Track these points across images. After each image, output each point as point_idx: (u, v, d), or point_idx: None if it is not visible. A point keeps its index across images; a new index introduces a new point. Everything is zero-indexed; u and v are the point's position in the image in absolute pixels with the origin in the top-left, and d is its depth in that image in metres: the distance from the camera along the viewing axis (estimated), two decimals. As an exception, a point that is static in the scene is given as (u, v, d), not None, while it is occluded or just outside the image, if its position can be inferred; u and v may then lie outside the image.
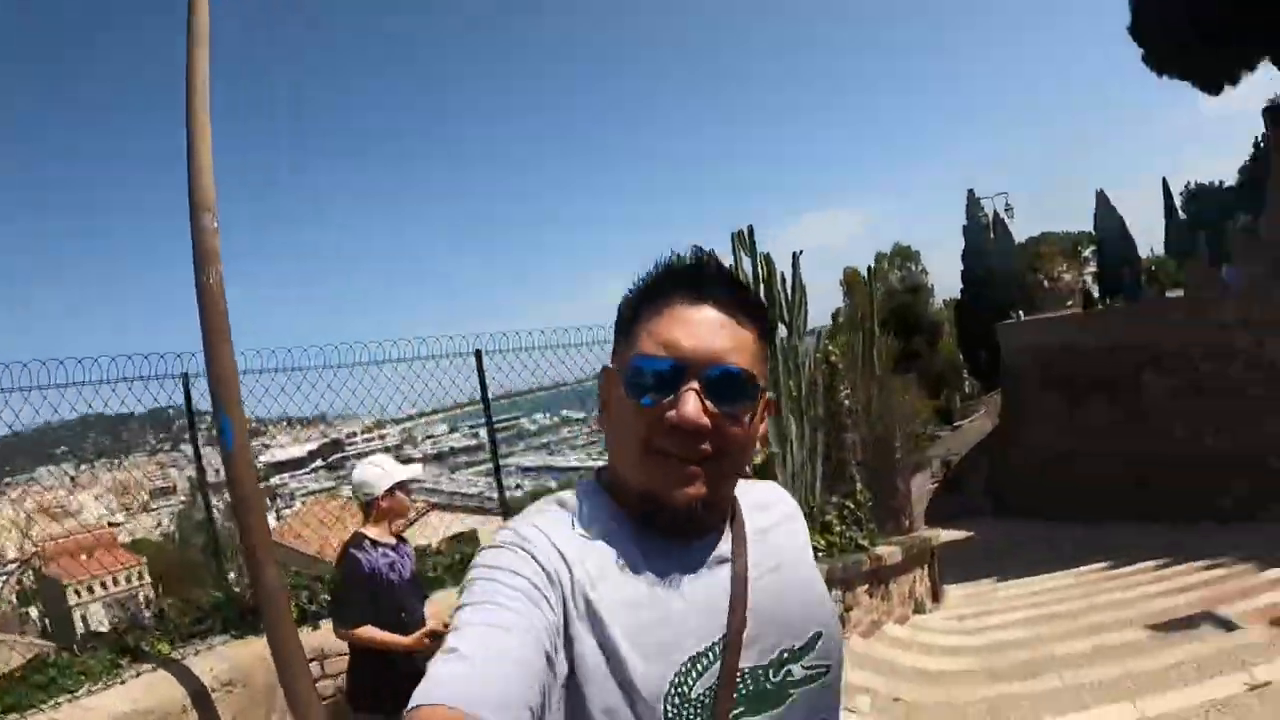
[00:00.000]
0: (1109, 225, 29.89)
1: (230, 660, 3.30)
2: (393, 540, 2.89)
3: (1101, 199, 30.12)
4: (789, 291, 7.13)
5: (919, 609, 7.38)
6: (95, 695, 2.95)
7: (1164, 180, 19.23)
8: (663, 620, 0.82)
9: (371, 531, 2.84)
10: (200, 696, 3.05)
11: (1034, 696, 4.24)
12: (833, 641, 0.93)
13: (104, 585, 35.40)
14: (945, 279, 43.86)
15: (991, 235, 32.63)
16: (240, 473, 2.89)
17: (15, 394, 3.29)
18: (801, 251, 7.13)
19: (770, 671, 0.86)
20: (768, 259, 7.03)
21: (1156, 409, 13.11)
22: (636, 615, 0.81)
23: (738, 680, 0.84)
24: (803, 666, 0.89)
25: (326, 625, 3.70)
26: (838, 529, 6.05)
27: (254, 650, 3.33)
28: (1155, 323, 13.59)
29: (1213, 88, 16.98)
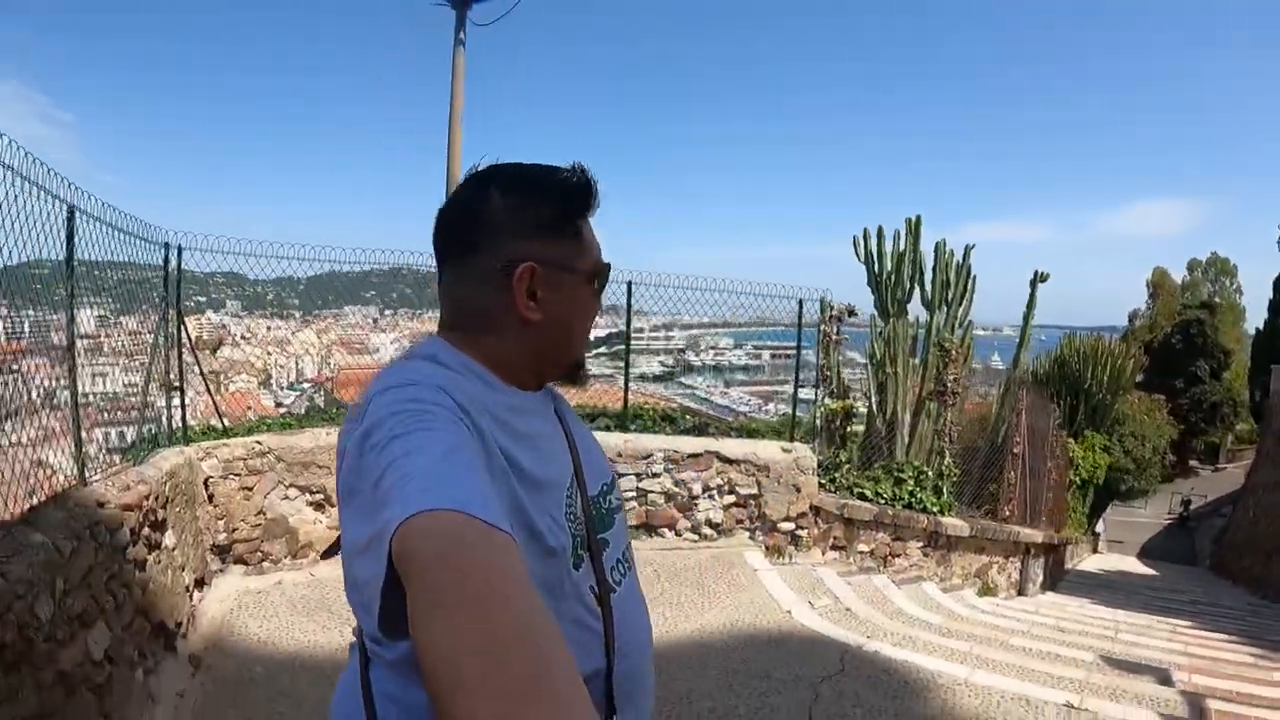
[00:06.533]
0: None
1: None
2: None
3: None
4: (953, 280, 7.76)
5: (988, 591, 7.41)
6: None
7: None
8: (547, 454, 0.96)
9: None
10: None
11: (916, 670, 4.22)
12: (618, 486, 1.15)
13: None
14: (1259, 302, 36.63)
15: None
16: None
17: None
18: (974, 245, 7.82)
19: (601, 499, 1.05)
20: (939, 246, 7.79)
21: None
22: (529, 451, 0.91)
23: (592, 504, 1.01)
24: (615, 498, 1.10)
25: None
26: (909, 486, 6.73)
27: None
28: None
29: None
